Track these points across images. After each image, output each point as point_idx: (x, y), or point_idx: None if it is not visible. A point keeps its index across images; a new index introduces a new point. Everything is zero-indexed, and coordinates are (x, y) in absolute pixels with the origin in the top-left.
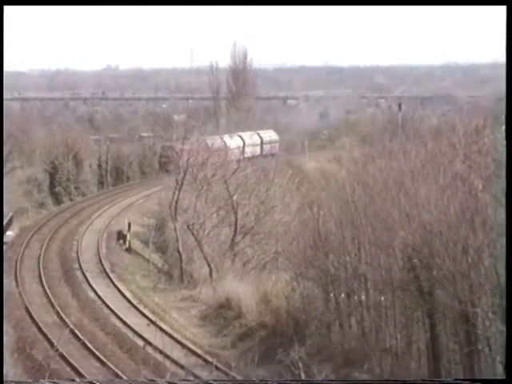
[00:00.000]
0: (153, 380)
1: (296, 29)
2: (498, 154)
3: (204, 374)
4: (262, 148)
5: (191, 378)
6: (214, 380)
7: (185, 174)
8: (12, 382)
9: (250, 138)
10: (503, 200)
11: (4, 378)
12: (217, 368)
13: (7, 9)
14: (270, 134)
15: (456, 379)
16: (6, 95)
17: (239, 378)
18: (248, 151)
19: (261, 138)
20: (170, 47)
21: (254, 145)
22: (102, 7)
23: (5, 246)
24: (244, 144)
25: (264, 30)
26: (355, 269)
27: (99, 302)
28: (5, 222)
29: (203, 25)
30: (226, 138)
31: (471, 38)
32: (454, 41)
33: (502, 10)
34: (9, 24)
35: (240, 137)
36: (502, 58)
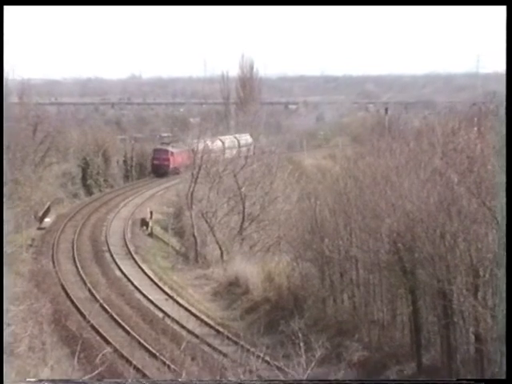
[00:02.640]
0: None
1: (296, 42)
2: (471, 152)
3: (216, 343)
4: (239, 150)
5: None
6: (200, 381)
7: (199, 168)
8: (12, 382)
9: (229, 141)
10: (476, 192)
11: (4, 379)
12: (228, 338)
13: (48, 22)
14: (246, 138)
15: (458, 379)
16: (44, 100)
17: (247, 346)
18: (227, 153)
19: (238, 141)
20: (186, 58)
21: (232, 147)
22: (133, 22)
23: (43, 231)
24: (224, 146)
25: (268, 44)
26: (347, 251)
27: (125, 280)
28: (43, 211)
29: (215, 38)
30: (209, 141)
31: (449, 50)
32: (435, 52)
33: (478, 23)
34: (47, 38)
35: (220, 140)
36: (474, 68)
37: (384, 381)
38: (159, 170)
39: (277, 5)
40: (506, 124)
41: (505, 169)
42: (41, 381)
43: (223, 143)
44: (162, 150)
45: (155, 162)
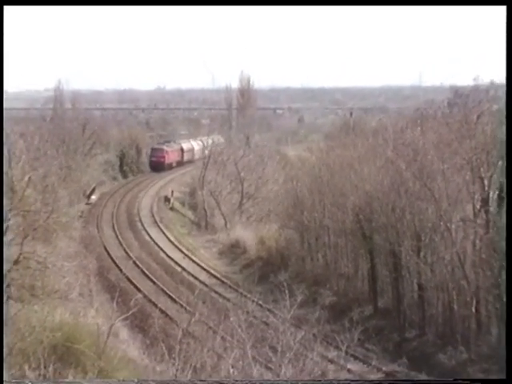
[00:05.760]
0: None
1: (283, 62)
2: (416, 145)
3: (221, 290)
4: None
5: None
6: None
7: (209, 158)
8: (12, 382)
9: (207, 141)
10: (419, 176)
11: (4, 379)
12: (230, 286)
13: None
14: (218, 138)
15: (456, 379)
16: (91, 106)
17: (245, 293)
18: (206, 151)
19: (213, 141)
20: (199, 74)
21: (208, 147)
22: (159, 45)
23: (89, 206)
24: (204, 146)
25: (261, 62)
26: (321, 221)
27: (152, 243)
28: (90, 190)
29: (223, 59)
30: (193, 141)
31: (398, 67)
32: (387, 69)
33: (420, 44)
34: (94, 56)
35: (201, 140)
36: (418, 82)
37: (384, 381)
38: (156, 165)
39: (270, 5)
40: (506, 124)
41: (504, 168)
42: (45, 381)
43: (203, 143)
44: (158, 149)
45: (153, 159)
